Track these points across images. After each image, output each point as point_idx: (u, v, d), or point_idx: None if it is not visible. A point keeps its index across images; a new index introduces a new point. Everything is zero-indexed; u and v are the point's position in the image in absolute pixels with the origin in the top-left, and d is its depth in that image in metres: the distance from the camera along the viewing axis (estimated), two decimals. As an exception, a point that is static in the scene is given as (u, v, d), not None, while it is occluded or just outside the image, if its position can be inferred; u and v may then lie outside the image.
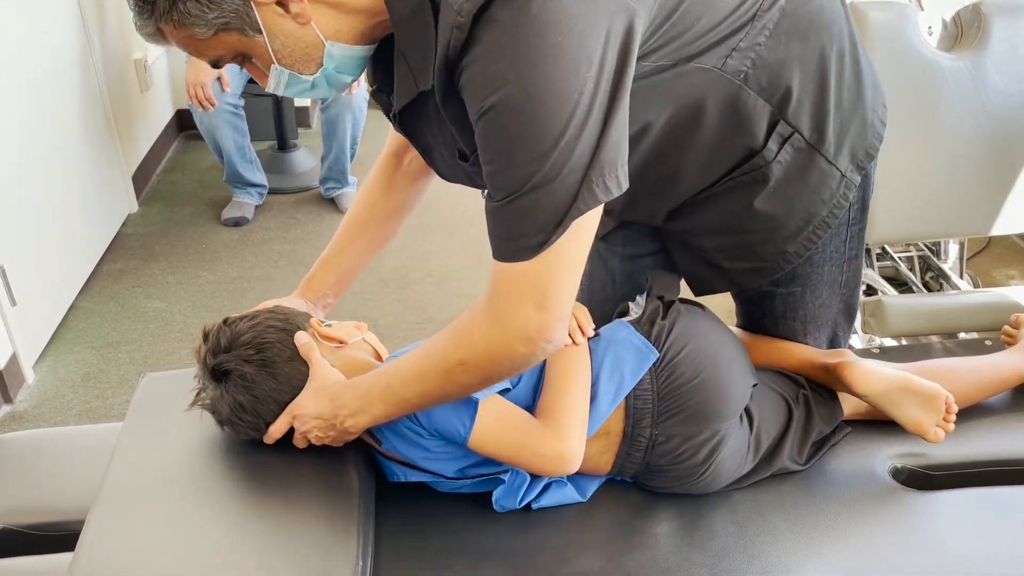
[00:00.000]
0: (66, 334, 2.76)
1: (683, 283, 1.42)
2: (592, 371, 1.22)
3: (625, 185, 0.98)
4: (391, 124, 1.20)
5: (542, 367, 1.25)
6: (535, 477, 1.22)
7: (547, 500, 1.24)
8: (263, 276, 3.09)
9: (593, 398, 1.20)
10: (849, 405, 1.37)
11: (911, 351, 1.61)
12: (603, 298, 1.50)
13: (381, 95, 1.16)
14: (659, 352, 1.22)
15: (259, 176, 3.51)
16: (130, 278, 3.07)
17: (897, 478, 1.31)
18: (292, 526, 1.12)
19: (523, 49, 0.89)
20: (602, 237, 1.48)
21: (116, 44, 3.47)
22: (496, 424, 1.16)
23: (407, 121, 1.13)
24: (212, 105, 3.16)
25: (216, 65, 1.04)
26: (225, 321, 1.24)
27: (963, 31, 1.94)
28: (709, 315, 1.32)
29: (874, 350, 1.60)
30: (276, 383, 1.19)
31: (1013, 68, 1.89)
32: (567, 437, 1.15)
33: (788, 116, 1.14)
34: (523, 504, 1.23)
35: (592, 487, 1.27)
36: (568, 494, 1.24)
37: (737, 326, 1.47)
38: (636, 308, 1.36)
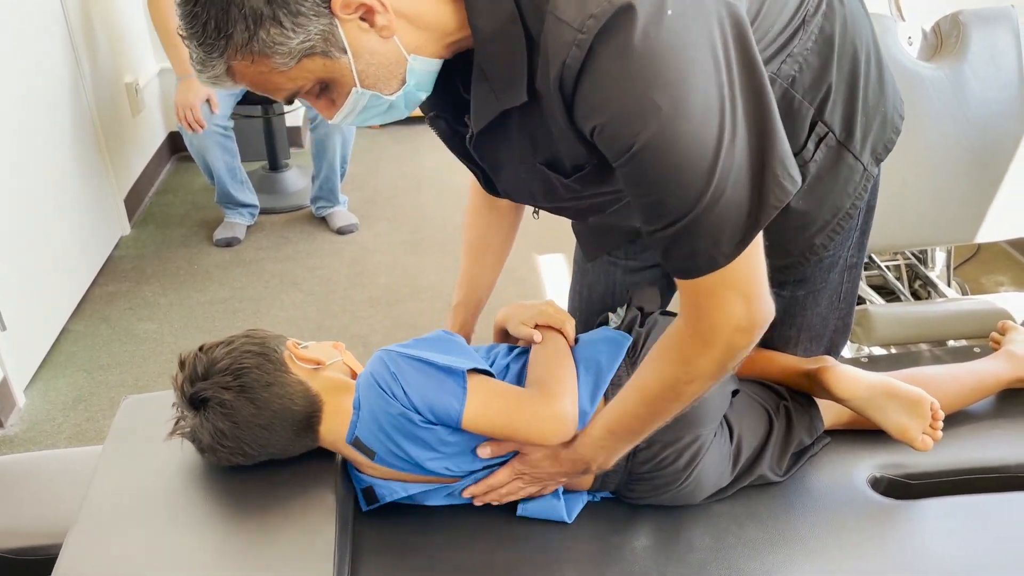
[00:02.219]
0: (57, 357, 2.76)
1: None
2: None
3: (799, 175, 0.97)
4: (446, 145, 1.16)
5: (524, 362, 1.27)
6: None
7: (534, 508, 1.24)
8: (255, 296, 3.09)
9: None
10: (830, 415, 1.37)
11: (900, 360, 1.61)
12: (602, 309, 1.52)
13: (439, 121, 1.13)
14: (637, 356, 1.22)
15: (250, 196, 3.52)
16: (122, 300, 3.08)
17: (876, 488, 1.31)
18: (269, 547, 1.12)
19: (666, 75, 0.86)
20: (608, 251, 1.50)
21: (107, 68, 3.49)
22: (488, 395, 1.17)
23: (482, 143, 1.08)
24: (201, 127, 3.17)
25: (290, 100, 0.98)
26: (201, 348, 1.23)
27: (943, 41, 1.95)
28: None
29: (863, 359, 1.60)
30: (255, 408, 1.18)
31: (992, 75, 1.90)
32: (561, 399, 1.16)
33: (825, 116, 1.16)
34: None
35: (577, 506, 1.26)
36: (556, 507, 1.24)
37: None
38: (616, 319, 1.38)
